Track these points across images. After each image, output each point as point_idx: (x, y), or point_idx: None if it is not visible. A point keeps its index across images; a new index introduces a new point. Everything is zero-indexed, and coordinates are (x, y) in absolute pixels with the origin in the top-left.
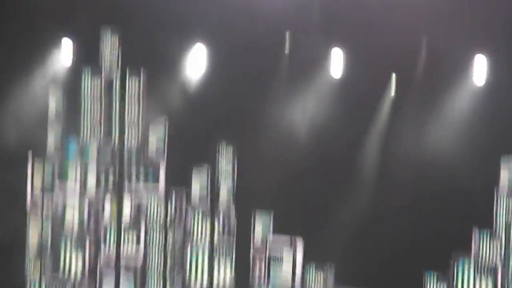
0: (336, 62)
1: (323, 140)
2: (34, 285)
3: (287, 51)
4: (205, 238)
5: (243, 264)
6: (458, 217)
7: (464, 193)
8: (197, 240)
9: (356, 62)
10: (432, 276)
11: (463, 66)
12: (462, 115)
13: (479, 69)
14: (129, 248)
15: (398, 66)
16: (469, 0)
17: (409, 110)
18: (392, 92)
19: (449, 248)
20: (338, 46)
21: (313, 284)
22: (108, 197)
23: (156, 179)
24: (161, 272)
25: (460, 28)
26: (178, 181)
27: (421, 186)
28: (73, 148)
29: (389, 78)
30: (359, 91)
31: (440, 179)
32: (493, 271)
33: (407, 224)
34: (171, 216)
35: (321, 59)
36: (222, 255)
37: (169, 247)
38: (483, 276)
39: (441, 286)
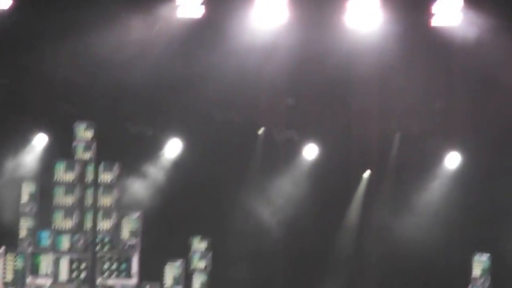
0: (310, 158)
1: (297, 234)
2: None
3: (260, 147)
4: None
5: None
6: None
7: None
8: None
9: (329, 158)
10: None
11: (435, 162)
12: (434, 210)
13: (451, 166)
14: None
15: (371, 162)
16: (442, 100)
17: (381, 205)
18: (365, 186)
19: None
20: (312, 143)
21: None
22: None
23: (129, 273)
24: None
25: (433, 126)
26: (151, 275)
27: (394, 283)
28: (45, 241)
29: (363, 172)
30: (331, 186)
31: (413, 276)
32: None
33: None
34: None
35: (295, 155)
36: None
37: None
38: None
39: None
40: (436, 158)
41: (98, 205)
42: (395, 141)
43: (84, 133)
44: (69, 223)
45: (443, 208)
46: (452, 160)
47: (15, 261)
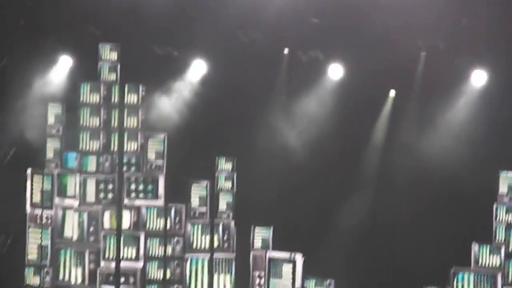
0: (336, 78)
1: (322, 154)
2: None
3: (285, 67)
4: (204, 253)
5: (243, 280)
6: (458, 231)
7: (463, 208)
8: (196, 254)
9: (355, 77)
10: None
11: (461, 80)
12: (460, 129)
13: (477, 83)
14: (128, 260)
15: (397, 81)
16: (468, 16)
17: (407, 124)
18: (390, 106)
19: (449, 262)
20: (337, 62)
21: None
22: (107, 211)
23: (156, 194)
24: (161, 285)
25: (459, 43)
26: (178, 196)
27: (421, 201)
28: (72, 162)
29: (388, 93)
30: (357, 105)
31: (439, 194)
32: (493, 285)
33: (407, 239)
34: (170, 231)
35: (320, 74)
36: (222, 270)
37: (168, 261)
38: None
39: None
40: (463, 75)
41: (124, 126)
42: (421, 59)
43: (109, 54)
44: (95, 145)
45: (469, 125)
46: (478, 77)
47: (42, 183)
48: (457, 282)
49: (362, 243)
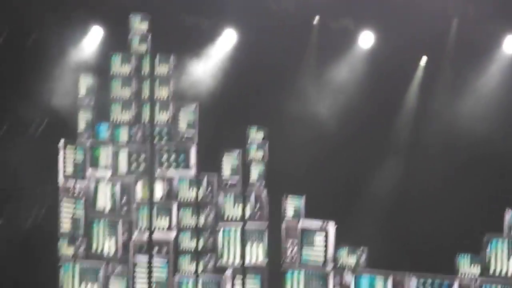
0: (366, 46)
1: (353, 123)
2: (68, 266)
3: (315, 35)
4: (236, 223)
5: (275, 249)
6: (491, 198)
7: (496, 174)
8: (228, 224)
9: (385, 45)
10: (465, 258)
11: (493, 46)
12: (492, 96)
13: (510, 50)
14: (160, 231)
15: (428, 48)
16: None
17: (438, 92)
18: (421, 74)
19: (482, 229)
20: (368, 30)
21: (345, 268)
22: (139, 181)
23: (187, 164)
24: (193, 255)
25: (491, 9)
26: (209, 165)
27: (453, 168)
28: (104, 133)
29: (419, 60)
30: (388, 73)
31: (473, 160)
32: None
33: (440, 205)
34: (202, 201)
35: (350, 43)
36: (254, 239)
37: (201, 231)
38: None
39: (475, 267)
40: (494, 42)
41: (155, 97)
42: (453, 26)
43: (139, 25)
44: (126, 116)
45: (501, 92)
46: (511, 43)
47: (74, 154)
48: (490, 249)
49: (394, 211)
